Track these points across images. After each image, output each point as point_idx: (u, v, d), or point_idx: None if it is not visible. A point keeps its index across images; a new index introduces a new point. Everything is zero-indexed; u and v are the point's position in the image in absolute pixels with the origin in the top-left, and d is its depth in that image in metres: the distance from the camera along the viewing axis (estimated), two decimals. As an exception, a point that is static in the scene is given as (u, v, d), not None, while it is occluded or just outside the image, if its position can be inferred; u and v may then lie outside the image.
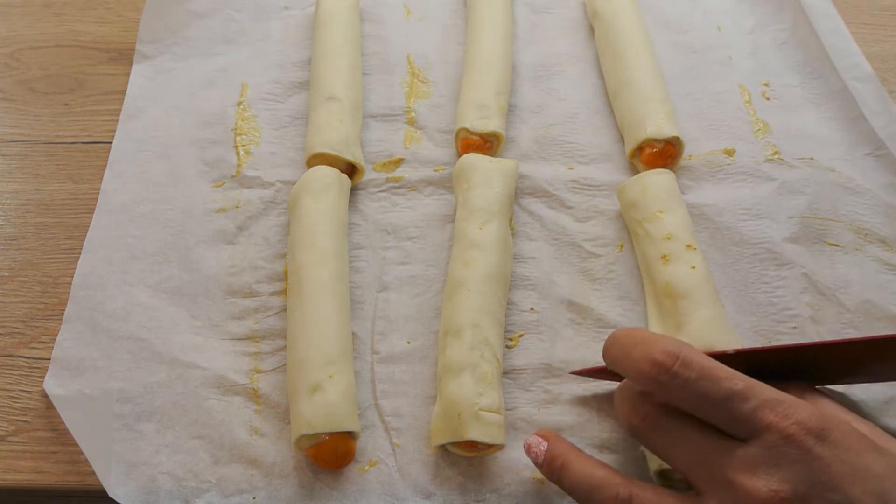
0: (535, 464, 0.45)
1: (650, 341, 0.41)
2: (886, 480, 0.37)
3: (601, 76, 0.70)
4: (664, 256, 0.55)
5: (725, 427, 0.39)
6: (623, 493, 0.41)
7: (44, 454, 0.51)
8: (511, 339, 0.55)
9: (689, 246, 0.55)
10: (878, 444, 0.39)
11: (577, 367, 0.53)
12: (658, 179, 0.58)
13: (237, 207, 0.61)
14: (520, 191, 0.62)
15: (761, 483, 0.37)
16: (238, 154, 0.65)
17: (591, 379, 0.52)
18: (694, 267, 0.53)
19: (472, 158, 0.60)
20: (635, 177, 0.59)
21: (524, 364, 0.53)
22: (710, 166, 0.63)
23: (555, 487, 0.48)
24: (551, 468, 0.44)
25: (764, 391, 0.39)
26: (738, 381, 0.39)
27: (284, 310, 0.56)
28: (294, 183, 0.60)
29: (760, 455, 0.38)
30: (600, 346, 0.45)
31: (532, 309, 0.56)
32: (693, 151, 0.64)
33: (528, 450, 0.46)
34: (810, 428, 0.38)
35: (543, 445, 0.45)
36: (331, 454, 0.48)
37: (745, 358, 0.44)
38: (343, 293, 0.54)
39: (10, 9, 0.78)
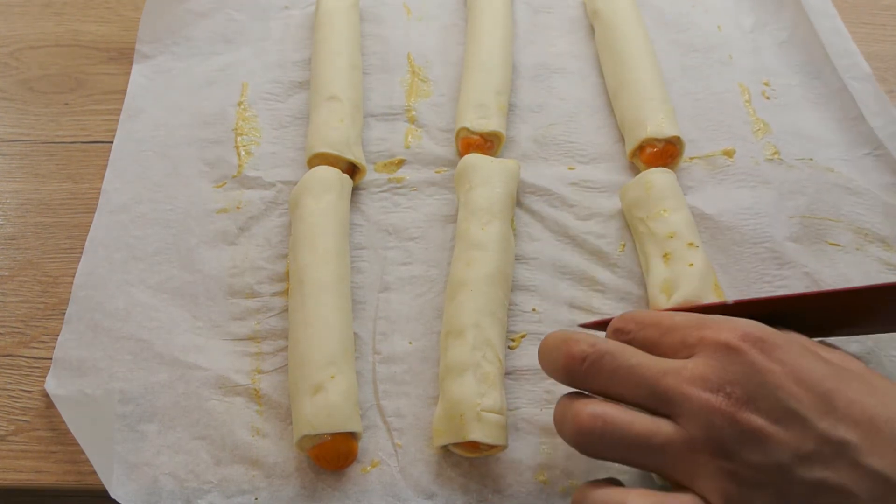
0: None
1: (612, 322, 0.46)
2: (829, 381, 0.39)
3: (601, 76, 0.70)
4: (666, 255, 0.55)
5: (673, 353, 0.42)
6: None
7: (44, 454, 0.51)
8: (513, 340, 0.55)
9: (690, 244, 0.55)
10: (823, 356, 0.41)
11: None
12: (661, 178, 0.58)
13: (238, 208, 0.61)
14: (521, 190, 0.62)
15: (714, 389, 0.39)
16: (239, 154, 0.65)
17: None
18: (692, 264, 0.53)
19: (474, 159, 0.60)
20: (638, 176, 0.59)
21: (526, 365, 0.53)
22: (711, 167, 0.63)
23: (557, 488, 0.48)
24: None
25: (704, 317, 0.42)
26: (676, 317, 0.43)
27: (286, 310, 0.56)
28: (295, 183, 0.60)
29: (707, 365, 0.39)
30: None
31: (534, 310, 0.56)
32: (693, 151, 0.65)
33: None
34: (747, 335, 0.40)
35: None
36: (333, 455, 0.48)
37: (743, 309, 0.45)
38: (345, 293, 0.54)
39: (10, 8, 0.78)
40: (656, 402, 0.40)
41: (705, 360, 0.40)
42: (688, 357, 0.41)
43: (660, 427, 0.40)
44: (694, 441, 0.39)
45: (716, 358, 0.39)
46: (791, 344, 0.40)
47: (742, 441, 0.38)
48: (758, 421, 0.38)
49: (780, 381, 0.38)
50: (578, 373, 0.42)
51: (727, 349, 0.39)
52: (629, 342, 0.43)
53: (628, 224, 0.60)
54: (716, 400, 0.38)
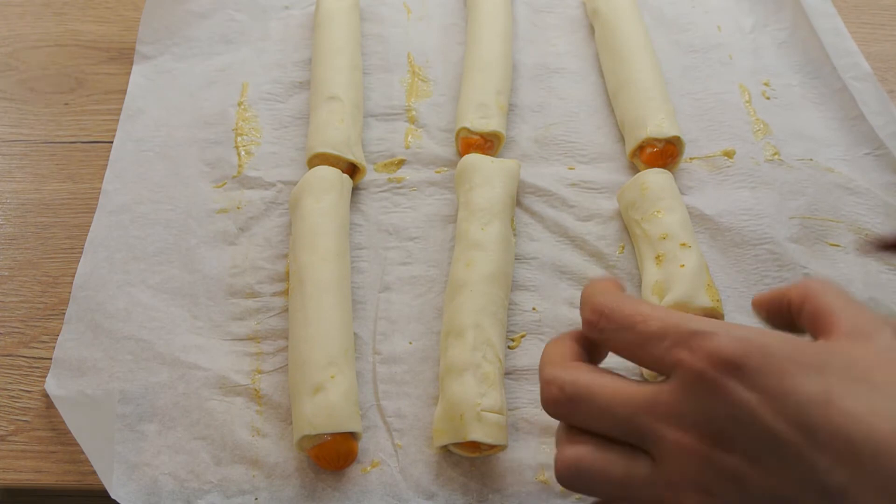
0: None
1: (587, 299, 0.41)
2: (813, 407, 0.35)
3: (601, 75, 0.70)
4: (658, 256, 0.55)
5: (652, 369, 0.40)
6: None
7: (44, 454, 0.51)
8: (513, 340, 0.55)
9: (683, 244, 0.55)
10: (821, 362, 0.36)
11: None
12: (656, 179, 0.58)
13: (238, 208, 0.61)
14: (521, 191, 0.62)
15: (688, 426, 0.37)
16: (239, 154, 0.65)
17: None
18: (683, 265, 0.53)
19: (474, 159, 0.60)
20: (634, 177, 0.59)
21: (526, 364, 0.53)
22: (711, 168, 0.63)
23: (557, 488, 0.48)
24: None
25: (682, 325, 0.38)
26: (652, 322, 0.39)
27: (286, 310, 0.56)
28: (295, 183, 0.60)
29: (678, 398, 0.37)
30: None
31: (534, 309, 0.56)
32: (694, 151, 0.65)
33: None
34: (722, 359, 0.36)
35: None
36: (333, 455, 0.48)
37: None
38: (345, 293, 0.54)
39: (9, 8, 0.78)
40: (633, 439, 0.39)
41: (680, 393, 0.37)
42: (666, 375, 0.39)
43: (638, 468, 0.38)
44: (672, 480, 0.38)
45: (690, 390, 0.37)
46: (772, 360, 0.37)
47: (719, 481, 0.36)
48: (733, 461, 0.36)
49: (757, 413, 0.35)
50: (558, 414, 0.41)
51: (701, 380, 0.37)
52: (604, 342, 0.41)
53: (626, 226, 0.60)
54: (689, 441, 0.36)
